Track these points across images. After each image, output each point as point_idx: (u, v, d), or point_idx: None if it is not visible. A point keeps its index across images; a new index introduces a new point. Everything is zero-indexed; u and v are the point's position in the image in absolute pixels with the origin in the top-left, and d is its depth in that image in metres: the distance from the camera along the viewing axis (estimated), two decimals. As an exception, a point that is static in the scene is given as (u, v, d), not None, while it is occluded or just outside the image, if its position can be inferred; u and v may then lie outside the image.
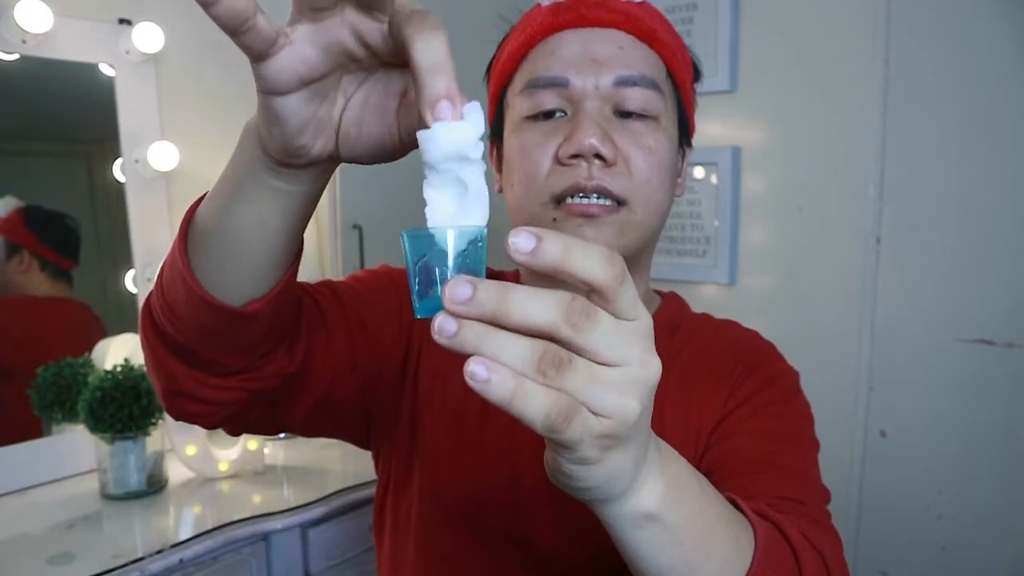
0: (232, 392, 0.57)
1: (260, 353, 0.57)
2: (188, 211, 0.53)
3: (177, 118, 1.52)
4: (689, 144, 0.77)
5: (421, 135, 0.36)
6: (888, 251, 1.51)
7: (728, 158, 1.67)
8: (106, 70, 1.42)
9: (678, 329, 0.76)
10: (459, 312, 0.32)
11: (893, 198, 1.50)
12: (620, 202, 0.66)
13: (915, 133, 1.47)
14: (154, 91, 1.47)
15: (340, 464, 1.49)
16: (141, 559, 1.04)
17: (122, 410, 1.23)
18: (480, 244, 0.36)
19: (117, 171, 1.45)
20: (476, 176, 0.37)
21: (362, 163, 0.45)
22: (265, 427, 0.67)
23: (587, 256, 0.33)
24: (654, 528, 0.41)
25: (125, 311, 1.47)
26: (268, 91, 0.40)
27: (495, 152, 0.77)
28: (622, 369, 0.34)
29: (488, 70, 0.78)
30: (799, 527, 0.52)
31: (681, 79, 0.73)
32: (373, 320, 0.72)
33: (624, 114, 0.68)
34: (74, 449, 1.36)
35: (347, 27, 0.38)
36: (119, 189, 1.45)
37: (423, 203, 0.37)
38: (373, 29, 0.39)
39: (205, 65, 1.57)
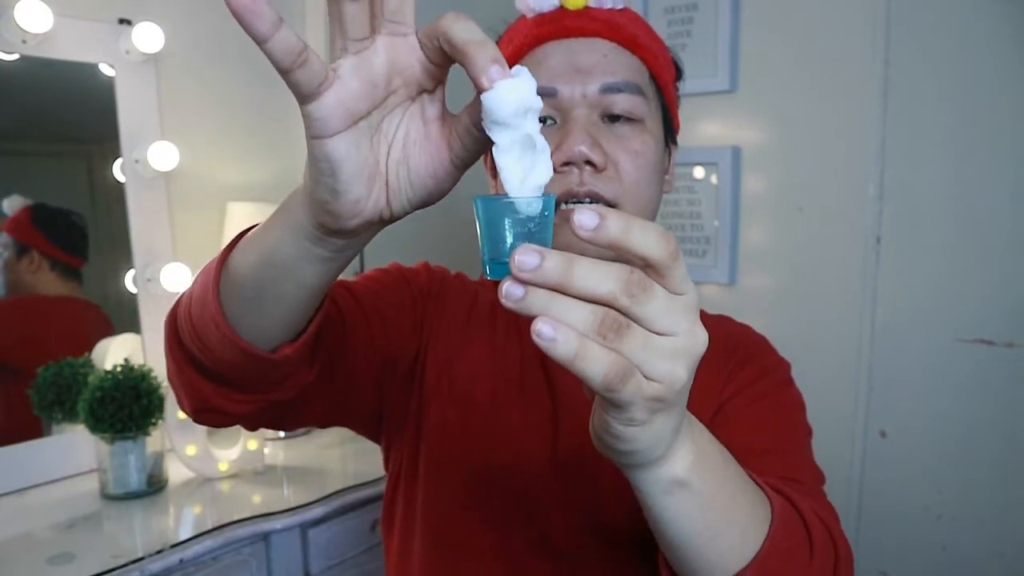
0: (255, 404, 0.59)
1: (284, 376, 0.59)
2: (220, 256, 0.53)
3: (177, 118, 1.52)
4: (674, 142, 0.80)
5: (486, 97, 0.37)
6: (888, 251, 1.51)
7: (728, 158, 1.67)
8: (106, 70, 1.42)
9: None
10: (526, 279, 0.34)
11: (893, 198, 1.50)
12: (611, 205, 0.69)
13: (915, 133, 1.47)
14: (154, 91, 1.47)
15: (340, 464, 1.49)
16: (141, 559, 1.04)
17: (122, 410, 1.23)
18: (548, 213, 0.39)
19: (117, 171, 1.45)
20: (538, 130, 0.39)
21: (412, 208, 0.45)
22: (284, 425, 0.69)
23: (645, 234, 0.35)
24: (684, 494, 0.44)
25: (125, 311, 1.47)
26: (320, 134, 0.40)
27: (489, 159, 0.78)
28: (673, 339, 0.37)
29: None
30: (809, 505, 0.55)
31: (664, 81, 0.75)
32: (391, 317, 0.73)
33: (611, 118, 0.70)
34: (74, 449, 1.36)
35: (383, 54, 0.40)
36: (119, 189, 1.45)
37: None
38: (405, 48, 0.40)
39: (205, 65, 1.57)
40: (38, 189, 1.38)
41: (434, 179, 0.44)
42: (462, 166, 0.44)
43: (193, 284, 0.56)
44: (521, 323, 0.79)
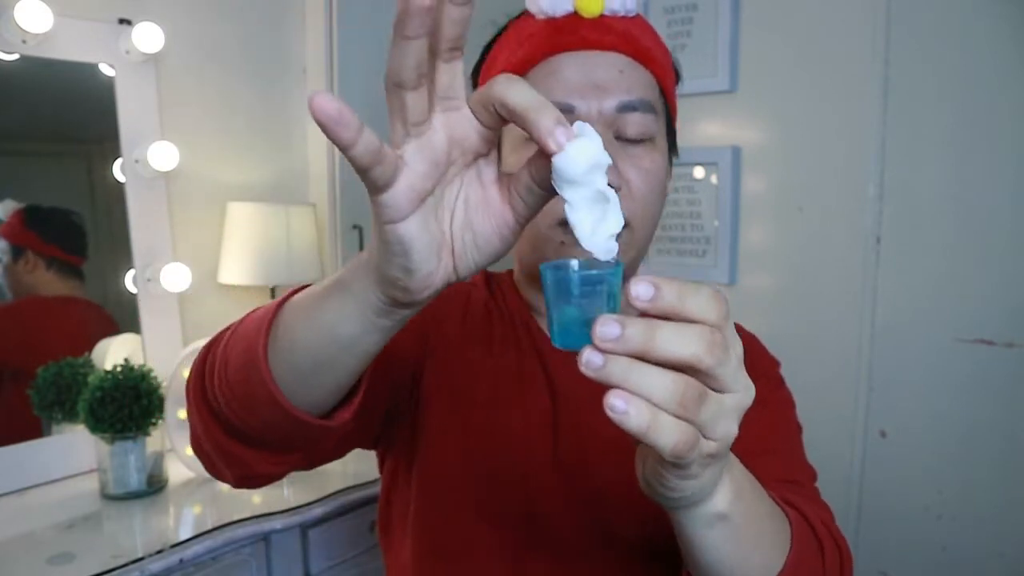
0: (294, 463, 0.59)
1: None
2: (265, 330, 0.51)
3: (177, 118, 1.52)
4: (676, 152, 0.80)
5: (558, 159, 0.38)
6: (888, 251, 1.51)
7: (728, 158, 1.67)
8: (106, 70, 1.42)
9: None
10: (608, 349, 0.35)
11: (893, 198, 1.50)
12: (624, 224, 0.68)
13: (915, 133, 1.47)
14: (154, 91, 1.47)
15: (340, 464, 1.49)
16: (141, 559, 1.04)
17: (122, 410, 1.23)
18: (617, 280, 0.39)
19: (117, 171, 1.45)
20: (606, 183, 0.40)
21: (479, 268, 0.46)
22: (310, 468, 0.68)
23: (698, 298, 0.37)
24: (723, 526, 0.47)
25: (125, 311, 1.47)
26: (392, 219, 0.40)
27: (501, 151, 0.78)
28: (736, 395, 0.38)
29: (475, 73, 0.78)
30: (814, 512, 0.58)
31: (670, 92, 0.75)
32: (397, 341, 0.73)
33: (624, 138, 0.70)
34: (74, 449, 1.36)
35: (441, 131, 0.40)
36: (119, 189, 1.45)
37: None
38: (461, 121, 0.40)
39: (205, 65, 1.57)
40: (38, 189, 1.38)
41: (500, 239, 0.45)
42: (525, 223, 0.45)
43: (224, 352, 0.54)
44: (517, 322, 0.79)
